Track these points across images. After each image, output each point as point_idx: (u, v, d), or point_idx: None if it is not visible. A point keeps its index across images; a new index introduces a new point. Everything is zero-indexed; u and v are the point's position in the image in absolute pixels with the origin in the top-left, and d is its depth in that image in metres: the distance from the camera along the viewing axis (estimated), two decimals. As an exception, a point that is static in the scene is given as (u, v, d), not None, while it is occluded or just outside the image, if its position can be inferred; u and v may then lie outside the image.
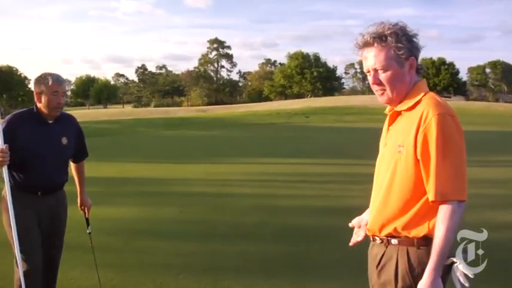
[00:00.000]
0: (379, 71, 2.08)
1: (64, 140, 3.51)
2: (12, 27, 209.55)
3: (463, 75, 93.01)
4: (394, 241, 2.06)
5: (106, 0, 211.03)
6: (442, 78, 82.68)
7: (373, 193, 2.23)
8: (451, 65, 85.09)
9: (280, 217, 6.75)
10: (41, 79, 3.39)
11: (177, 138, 19.30)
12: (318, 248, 5.40)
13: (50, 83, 3.34)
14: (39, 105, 3.41)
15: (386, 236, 2.09)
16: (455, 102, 44.34)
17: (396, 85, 2.09)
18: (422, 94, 2.06)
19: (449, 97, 73.25)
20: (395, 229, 2.05)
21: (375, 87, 2.14)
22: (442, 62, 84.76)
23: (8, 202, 3.15)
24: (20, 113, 3.52)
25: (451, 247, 1.90)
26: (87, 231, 3.95)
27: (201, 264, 4.89)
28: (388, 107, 2.21)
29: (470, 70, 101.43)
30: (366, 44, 2.09)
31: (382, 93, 2.13)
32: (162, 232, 6.03)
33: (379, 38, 2.05)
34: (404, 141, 2.02)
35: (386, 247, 2.09)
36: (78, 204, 3.87)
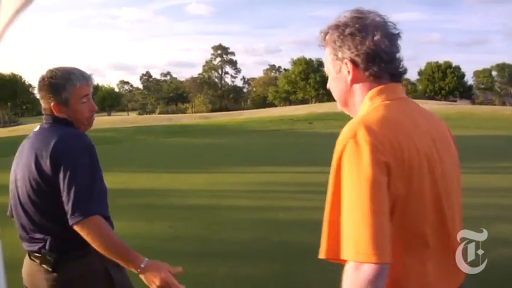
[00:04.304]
0: None
1: None
2: (17, 34, 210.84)
3: (469, 79, 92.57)
4: None
5: (107, 8, 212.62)
6: (448, 82, 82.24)
7: None
8: (457, 68, 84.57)
9: (278, 233, 6.32)
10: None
11: (176, 146, 18.93)
12: (316, 268, 4.81)
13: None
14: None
15: None
16: (461, 106, 43.89)
17: (336, 94, 1.73)
18: (360, 105, 1.64)
19: (455, 101, 72.94)
20: None
21: None
22: (448, 65, 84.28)
23: None
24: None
25: None
26: None
27: (186, 289, 4.49)
28: None
29: (476, 74, 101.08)
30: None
31: None
32: (148, 250, 5.58)
33: (323, 37, 1.69)
34: None
35: None
36: None
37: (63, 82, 2.25)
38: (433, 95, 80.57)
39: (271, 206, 7.96)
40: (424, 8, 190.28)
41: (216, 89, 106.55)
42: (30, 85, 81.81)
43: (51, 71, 2.30)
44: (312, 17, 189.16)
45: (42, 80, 2.28)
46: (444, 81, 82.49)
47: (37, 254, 2.17)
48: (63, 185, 2.08)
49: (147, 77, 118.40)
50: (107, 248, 2.08)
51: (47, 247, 2.13)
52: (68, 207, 2.05)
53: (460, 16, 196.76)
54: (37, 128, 2.31)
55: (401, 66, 1.64)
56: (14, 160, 2.33)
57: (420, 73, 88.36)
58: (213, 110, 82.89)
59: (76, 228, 2.05)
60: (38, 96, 2.35)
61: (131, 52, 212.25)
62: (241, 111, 60.61)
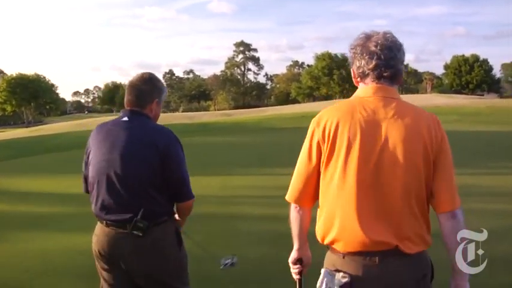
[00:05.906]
0: None
1: None
2: (41, 35, 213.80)
3: (497, 72, 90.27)
4: None
5: (131, 7, 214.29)
6: (475, 75, 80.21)
7: None
8: (485, 61, 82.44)
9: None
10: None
11: (193, 145, 18.16)
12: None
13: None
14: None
15: None
16: (488, 100, 42.41)
17: None
18: None
19: (482, 95, 70.97)
20: None
21: None
22: (475, 59, 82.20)
23: None
24: None
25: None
26: None
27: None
28: None
29: (504, 67, 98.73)
30: None
31: None
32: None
33: None
34: None
35: None
36: None
37: (163, 86, 3.03)
38: (459, 89, 78.74)
39: (284, 215, 7.16)
40: (448, 1, 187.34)
41: (238, 86, 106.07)
42: (53, 85, 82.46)
43: (152, 74, 3.00)
44: (336, 12, 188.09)
45: (150, 80, 2.96)
46: (471, 75, 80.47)
47: (125, 223, 2.71)
48: (174, 172, 2.83)
49: (170, 75, 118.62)
50: (186, 216, 3.05)
51: (139, 216, 2.67)
52: (184, 190, 2.89)
53: (484, 8, 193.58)
54: (125, 118, 2.87)
55: (384, 71, 2.17)
56: (99, 141, 2.83)
57: (446, 67, 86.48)
58: (235, 107, 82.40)
59: (182, 204, 2.92)
60: (131, 89, 2.93)
61: (154, 51, 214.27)
62: (265, 107, 59.90)
